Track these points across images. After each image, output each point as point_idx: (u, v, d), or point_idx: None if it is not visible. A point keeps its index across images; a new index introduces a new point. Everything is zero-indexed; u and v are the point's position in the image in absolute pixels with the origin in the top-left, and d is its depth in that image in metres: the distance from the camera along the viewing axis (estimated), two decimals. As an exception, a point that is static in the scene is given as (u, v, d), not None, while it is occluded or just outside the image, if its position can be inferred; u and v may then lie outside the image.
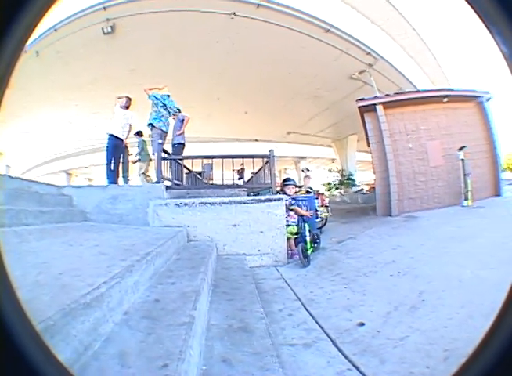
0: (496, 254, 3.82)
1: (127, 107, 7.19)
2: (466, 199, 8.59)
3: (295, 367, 1.89)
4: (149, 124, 6.51)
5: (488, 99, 10.17)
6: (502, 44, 0.60)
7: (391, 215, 8.74)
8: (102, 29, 9.98)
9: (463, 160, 8.88)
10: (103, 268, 1.74)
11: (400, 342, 2.11)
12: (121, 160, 7.22)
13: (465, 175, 8.75)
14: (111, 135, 6.86)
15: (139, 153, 9.39)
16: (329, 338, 2.30)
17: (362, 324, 2.46)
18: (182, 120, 7.69)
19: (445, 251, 4.36)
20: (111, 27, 9.97)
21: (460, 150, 8.90)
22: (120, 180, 7.20)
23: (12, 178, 4.27)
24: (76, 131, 17.81)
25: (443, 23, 14.83)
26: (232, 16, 10.17)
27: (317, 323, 2.58)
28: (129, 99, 7.25)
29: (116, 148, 6.92)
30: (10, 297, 0.63)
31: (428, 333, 2.20)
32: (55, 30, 9.67)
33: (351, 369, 1.86)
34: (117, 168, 7.02)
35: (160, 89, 6.90)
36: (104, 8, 9.51)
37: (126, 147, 7.53)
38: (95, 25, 9.88)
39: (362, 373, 1.81)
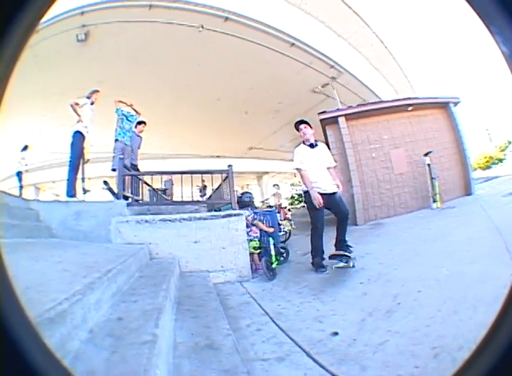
0: (473, 249, 4.02)
1: (93, 103, 6.52)
2: (434, 201, 9.06)
3: (271, 382, 1.86)
4: (116, 140, 6.83)
5: (456, 104, 10.91)
6: (502, 44, 0.63)
7: (356, 225, 8.96)
8: (77, 35, 9.89)
9: (429, 164, 9.37)
10: (66, 284, 1.75)
11: (380, 347, 2.13)
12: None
13: (432, 178, 9.24)
14: (78, 133, 6.06)
15: None
16: (303, 350, 2.28)
17: (336, 334, 2.46)
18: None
19: (417, 253, 4.52)
20: (85, 34, 9.90)
21: (426, 155, 9.41)
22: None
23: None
24: (45, 143, 16.88)
25: (410, 31, 15.68)
26: (200, 29, 10.34)
27: (288, 336, 2.56)
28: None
29: (82, 150, 6.11)
30: (10, 296, 0.65)
31: (409, 334, 2.24)
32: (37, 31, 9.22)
33: (331, 379, 1.85)
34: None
35: (127, 105, 7.42)
36: (82, 13, 9.35)
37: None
38: (72, 30, 9.75)
39: (343, 381, 1.80)
